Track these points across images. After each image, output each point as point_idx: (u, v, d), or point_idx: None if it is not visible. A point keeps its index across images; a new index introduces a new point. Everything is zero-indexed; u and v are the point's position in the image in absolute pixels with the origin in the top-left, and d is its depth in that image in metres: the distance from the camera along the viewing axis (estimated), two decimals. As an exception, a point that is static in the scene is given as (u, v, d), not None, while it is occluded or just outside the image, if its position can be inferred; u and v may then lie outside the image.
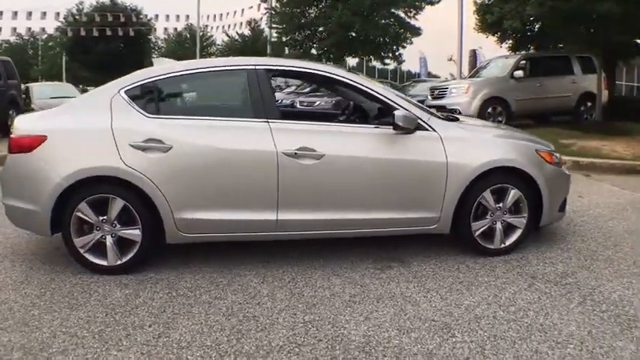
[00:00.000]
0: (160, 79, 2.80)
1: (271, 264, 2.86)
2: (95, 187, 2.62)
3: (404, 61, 21.09)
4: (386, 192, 2.84)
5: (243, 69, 2.83)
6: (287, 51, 21.50)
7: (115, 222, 2.66)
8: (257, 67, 2.82)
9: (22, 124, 2.79)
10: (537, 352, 1.88)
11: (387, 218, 2.86)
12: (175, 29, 31.19)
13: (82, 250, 2.67)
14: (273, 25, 21.23)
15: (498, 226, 2.99)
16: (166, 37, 36.53)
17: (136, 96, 2.73)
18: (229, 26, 27.70)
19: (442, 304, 2.32)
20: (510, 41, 13.41)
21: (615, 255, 2.94)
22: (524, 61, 9.79)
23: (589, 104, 9.91)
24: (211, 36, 33.85)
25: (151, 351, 1.90)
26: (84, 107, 2.80)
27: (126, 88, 2.73)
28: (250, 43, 31.02)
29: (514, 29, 11.88)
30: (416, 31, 19.55)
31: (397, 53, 19.75)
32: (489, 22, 12.86)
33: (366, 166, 2.78)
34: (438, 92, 9.48)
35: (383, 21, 18.90)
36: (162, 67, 2.92)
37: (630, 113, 10.05)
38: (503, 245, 3.01)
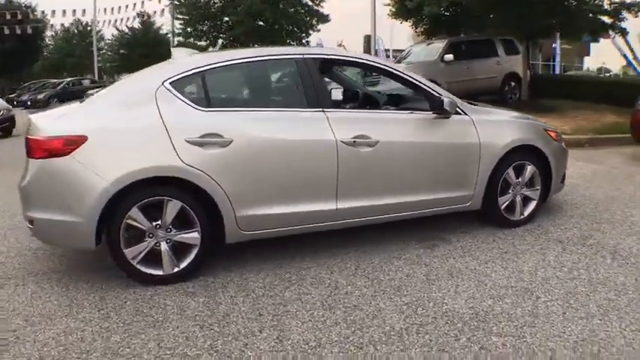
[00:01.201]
0: (207, 69, 2.67)
1: (323, 254, 2.97)
2: (148, 190, 2.46)
3: None
4: (431, 174, 3.10)
5: (292, 58, 2.83)
6: (193, 42, 21.56)
7: (170, 226, 2.52)
8: (305, 56, 2.83)
9: (48, 124, 2.48)
10: (609, 300, 2.31)
11: (431, 199, 3.12)
12: (62, 25, 30.81)
13: (133, 262, 2.48)
14: (178, 16, 20.96)
15: (518, 199, 3.44)
16: (53, 34, 34.86)
17: (184, 87, 2.59)
18: (121, 20, 27.22)
19: (508, 273, 2.67)
20: (424, 26, 14.41)
21: (613, 218, 3.59)
22: (452, 45, 10.72)
23: (512, 84, 11.26)
24: (99, 30, 32.69)
25: (291, 356, 1.92)
26: (123, 102, 2.57)
27: (171, 80, 2.57)
28: (140, 36, 31.09)
29: (433, 15, 12.94)
30: (324, 18, 20.66)
31: (304, 41, 20.72)
32: (409, 7, 13.82)
33: (414, 150, 3.01)
34: (372, 79, 10.30)
35: (291, 9, 19.72)
36: (207, 56, 2.79)
37: (549, 91, 11.65)
38: (522, 217, 3.48)
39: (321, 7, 20.30)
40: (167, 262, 2.54)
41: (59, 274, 2.76)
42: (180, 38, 21.30)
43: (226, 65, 2.73)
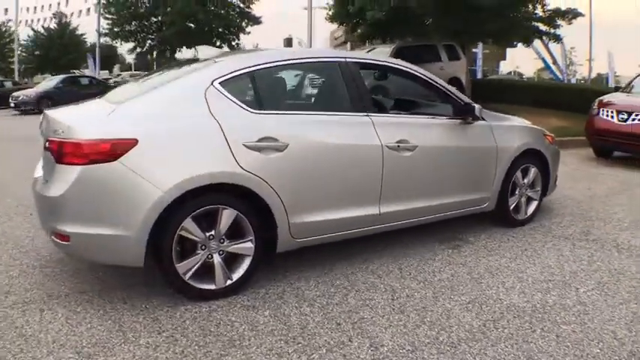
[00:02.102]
0: (256, 69, 2.65)
1: (358, 258, 3.09)
2: (203, 198, 2.38)
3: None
4: (459, 177, 3.37)
5: (336, 61, 2.90)
6: (120, 43, 21.38)
7: (223, 237, 2.46)
8: (347, 60, 2.92)
9: (90, 126, 2.29)
10: (633, 287, 2.73)
11: (458, 201, 3.39)
12: None
13: (185, 277, 2.38)
14: (107, 16, 20.64)
15: (522, 199, 3.84)
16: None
17: (234, 88, 2.55)
18: (38, 20, 26.21)
19: (538, 268, 3.00)
20: (361, 31, 15.10)
21: (599, 215, 4.14)
22: (398, 51, 11.38)
23: (455, 88, 12.33)
24: (6, 31, 31.24)
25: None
26: (170, 102, 2.46)
27: (220, 79, 2.51)
28: (56, 37, 30.41)
29: (375, 20, 13.71)
30: (256, 20, 21.51)
31: (234, 43, 21.62)
32: (350, 12, 14.47)
33: (446, 154, 3.25)
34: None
35: (222, 11, 20.33)
36: (254, 56, 2.74)
37: (486, 95, 12.83)
38: (526, 216, 3.89)
39: (251, 8, 21.38)
40: (220, 276, 2.48)
41: (87, 294, 2.55)
42: (107, 39, 21.01)
43: (275, 66, 2.73)
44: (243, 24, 21.32)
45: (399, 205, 3.05)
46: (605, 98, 7.06)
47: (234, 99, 2.52)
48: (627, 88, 7.43)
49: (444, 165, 3.27)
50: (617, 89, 7.87)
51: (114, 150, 2.21)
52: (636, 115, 6.11)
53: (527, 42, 16.51)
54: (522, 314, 2.39)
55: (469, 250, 3.32)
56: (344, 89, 2.89)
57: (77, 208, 2.26)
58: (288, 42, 31.81)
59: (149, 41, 20.66)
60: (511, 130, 3.72)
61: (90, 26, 26.65)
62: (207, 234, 2.42)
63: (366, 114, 2.90)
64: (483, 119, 3.53)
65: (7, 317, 2.31)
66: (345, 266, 2.97)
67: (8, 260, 3.04)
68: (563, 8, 15.26)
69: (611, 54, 29.36)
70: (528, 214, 3.91)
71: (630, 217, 4.04)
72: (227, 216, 2.44)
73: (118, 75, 32.98)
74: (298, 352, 2.04)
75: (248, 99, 2.60)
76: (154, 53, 22.39)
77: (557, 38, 16.11)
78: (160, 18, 19.73)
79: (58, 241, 2.35)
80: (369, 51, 11.93)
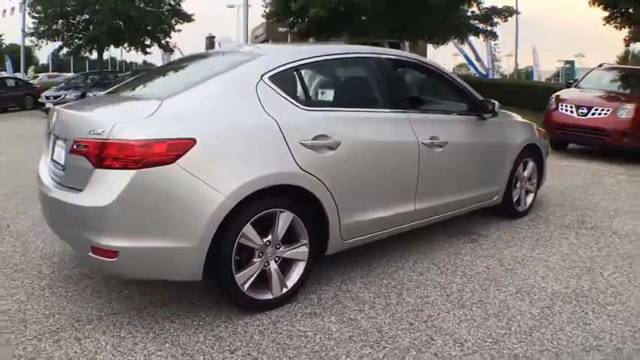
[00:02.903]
0: (302, 64, 2.65)
1: (387, 256, 3.22)
2: (262, 202, 2.33)
3: (173, 50, 24.03)
4: (478, 171, 3.63)
5: (377, 57, 2.98)
6: (46, 43, 21.30)
7: (279, 242, 2.44)
8: (383, 57, 3.02)
9: (137, 125, 2.14)
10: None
11: (477, 195, 3.64)
12: None
13: (243, 287, 2.33)
14: (35, 15, 20.28)
15: (522, 192, 4.21)
16: None
17: (282, 83, 2.52)
18: None
19: (559, 256, 3.32)
20: (301, 28, 15.54)
21: (586, 204, 4.66)
22: None
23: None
24: None
25: (490, 354, 2.14)
26: (223, 97, 2.37)
27: (270, 74, 2.48)
28: None
29: (319, 17, 14.19)
30: (188, 18, 22.05)
31: (164, 41, 22.12)
32: (293, 9, 14.85)
33: (469, 150, 3.49)
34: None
35: (154, 9, 20.93)
36: (297, 50, 2.71)
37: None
38: (526, 207, 4.27)
39: (181, 6, 21.78)
40: (276, 284, 2.45)
41: (122, 315, 2.39)
42: (33, 38, 20.44)
43: (319, 61, 2.74)
44: (173, 22, 21.65)
45: (430, 201, 3.21)
46: (561, 94, 7.86)
47: (285, 95, 2.49)
48: (578, 85, 8.34)
49: (468, 160, 3.50)
50: (568, 85, 8.79)
51: (171, 151, 2.09)
52: (596, 110, 6.91)
53: (463, 39, 17.83)
54: (569, 299, 2.66)
55: (487, 243, 3.58)
56: (385, 86, 2.99)
57: (128, 219, 2.09)
58: (210, 40, 31.76)
59: (77, 40, 20.46)
60: (515, 126, 4.06)
61: (10, 27, 26.12)
62: (264, 240, 2.39)
63: (402, 111, 3.02)
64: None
65: (39, 352, 2.09)
66: (383, 265, 3.07)
67: (6, 281, 2.75)
68: (499, 6, 16.65)
69: (536, 50, 32.37)
70: (527, 205, 4.29)
71: (614, 206, 4.59)
72: (284, 220, 2.41)
73: (35, 77, 31.51)
74: (389, 356, 2.10)
75: (297, 95, 2.58)
76: (83, 52, 21.93)
77: (494, 35, 17.54)
78: (87, 16, 19.58)
79: (99, 258, 2.14)
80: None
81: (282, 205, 2.41)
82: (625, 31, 9.11)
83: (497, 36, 17.06)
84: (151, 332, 2.25)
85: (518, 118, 4.31)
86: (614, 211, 4.42)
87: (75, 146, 2.23)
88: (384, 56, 3.05)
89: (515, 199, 4.10)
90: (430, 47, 21.44)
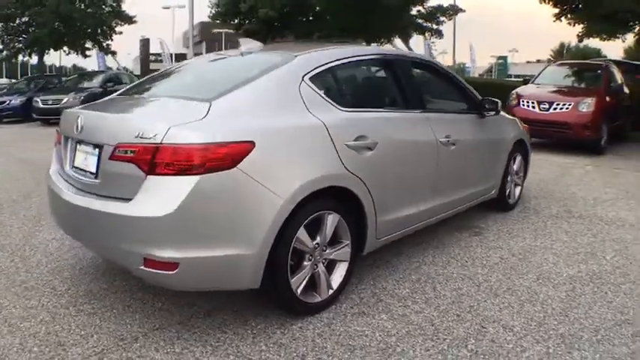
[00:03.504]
0: (337, 65, 2.76)
1: (407, 251, 3.44)
2: (314, 205, 2.42)
3: (115, 52, 24.31)
4: (482, 167, 3.92)
5: (397, 58, 3.18)
6: None
7: (326, 244, 2.55)
8: (404, 58, 3.23)
9: (194, 128, 2.12)
10: None
11: (479, 190, 3.95)
12: None
13: (298, 292, 2.42)
14: None
15: (512, 185, 4.60)
16: None
17: (320, 84, 2.63)
18: None
19: (560, 244, 3.70)
20: (248, 29, 15.96)
21: (565, 195, 5.15)
22: None
23: None
24: None
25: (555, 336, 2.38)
26: (270, 99, 2.42)
27: (310, 75, 2.57)
28: None
29: (268, 17, 14.49)
30: (130, 20, 22.66)
31: (105, 44, 22.46)
32: (242, 10, 15.10)
33: (475, 146, 3.77)
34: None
35: (93, 10, 21.31)
36: (332, 51, 2.81)
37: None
38: (515, 200, 4.66)
39: (119, 7, 22.39)
40: (324, 286, 2.55)
41: (169, 330, 2.37)
42: None
43: (352, 62, 2.86)
44: (113, 24, 22.14)
45: (445, 197, 3.45)
46: (521, 91, 8.54)
47: (324, 96, 2.59)
48: (534, 81, 9.08)
49: (474, 157, 3.78)
50: (525, 82, 9.55)
51: (232, 155, 2.10)
52: (557, 105, 7.59)
53: (408, 38, 18.78)
54: (586, 282, 2.99)
55: (491, 235, 3.89)
56: (408, 86, 3.18)
57: (189, 229, 2.07)
58: (145, 43, 31.37)
59: (16, 43, 20.56)
60: (507, 122, 4.43)
61: None
62: (314, 243, 2.49)
63: (422, 110, 3.23)
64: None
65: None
66: (404, 262, 3.26)
67: (20, 301, 2.62)
68: (444, 5, 17.67)
69: (473, 46, 34.37)
70: (516, 198, 4.69)
71: (591, 195, 5.13)
72: (331, 221, 2.51)
73: None
74: (452, 346, 2.27)
75: (334, 96, 2.68)
76: (22, 55, 21.57)
77: (440, 33, 18.57)
78: (27, 19, 19.56)
79: (153, 271, 2.10)
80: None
81: (330, 207, 2.51)
82: (578, 27, 10.09)
83: (443, 34, 18.07)
84: (207, 345, 2.26)
85: (506, 114, 4.70)
86: (593, 200, 4.94)
87: (117, 152, 2.18)
88: (405, 57, 3.26)
89: (507, 193, 4.48)
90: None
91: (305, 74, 2.56)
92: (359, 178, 2.61)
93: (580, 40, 10.55)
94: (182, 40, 44.02)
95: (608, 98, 7.81)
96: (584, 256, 3.42)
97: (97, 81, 14.04)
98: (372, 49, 3.27)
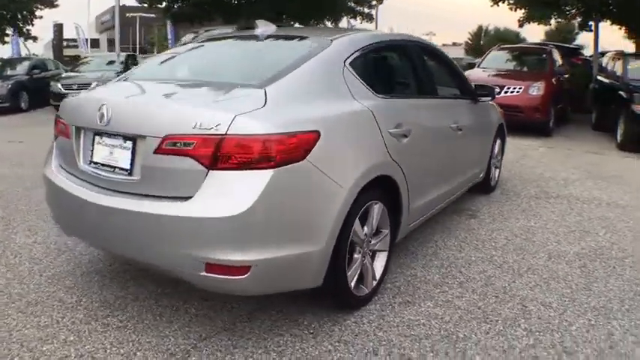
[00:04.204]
0: (369, 50, 2.78)
1: (418, 238, 3.62)
2: (366, 195, 2.43)
3: (36, 38, 23.23)
4: (476, 151, 4.19)
5: (417, 44, 3.28)
6: None
7: (372, 235, 2.62)
8: (423, 45, 3.36)
9: (259, 119, 2.03)
10: (629, 225, 4.03)
11: (474, 173, 4.22)
12: None
13: (352, 286, 2.47)
14: None
15: (493, 168, 4.98)
16: None
17: (358, 69, 2.63)
18: None
19: (552, 223, 4.07)
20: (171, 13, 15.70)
21: (533, 177, 5.63)
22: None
23: None
24: None
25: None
26: (321, 85, 2.39)
27: (349, 60, 2.58)
28: None
29: (198, 1, 14.25)
30: (51, 3, 21.82)
31: (25, 29, 21.76)
32: None
33: (474, 131, 4.01)
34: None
35: None
36: (365, 35, 2.81)
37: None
38: (495, 182, 5.04)
39: None
40: (369, 277, 2.61)
41: (225, 339, 2.31)
42: None
43: (381, 47, 2.90)
44: (34, 8, 21.18)
45: (452, 181, 3.64)
46: (468, 75, 9.07)
47: (363, 82, 2.60)
48: (480, 65, 9.71)
49: (473, 142, 4.03)
50: (471, 66, 10.16)
51: (302, 146, 2.04)
52: (508, 88, 8.20)
53: (337, 22, 19.25)
54: (591, 257, 3.34)
55: (486, 217, 4.19)
56: (428, 72, 3.30)
57: (263, 227, 1.98)
58: (59, 28, 30.18)
59: None
60: (491, 108, 4.74)
61: None
62: (364, 234, 2.53)
63: (437, 97, 3.39)
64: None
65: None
66: (420, 248, 3.40)
67: (29, 319, 2.38)
68: None
69: (394, 30, 35.79)
70: (496, 180, 5.08)
71: (558, 176, 5.65)
72: (377, 211, 2.55)
73: None
74: (507, 327, 2.44)
75: (371, 82, 2.67)
76: None
77: (371, 17, 19.20)
78: None
79: (220, 277, 1.99)
80: (206, 30, 12.31)
81: (377, 197, 2.57)
82: (520, 12, 10.91)
83: (374, 18, 18.67)
84: (270, 350, 2.21)
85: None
86: (563, 181, 5.46)
87: (166, 145, 2.03)
88: (421, 43, 3.38)
89: (490, 175, 4.83)
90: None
91: (345, 59, 2.56)
92: (399, 165, 2.70)
93: (520, 26, 11.44)
94: (95, 25, 41.47)
95: (554, 82, 8.58)
96: (580, 234, 3.82)
97: (22, 68, 13.47)
98: (397, 36, 3.36)
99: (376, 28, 34.02)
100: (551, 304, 2.70)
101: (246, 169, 1.97)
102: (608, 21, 11.27)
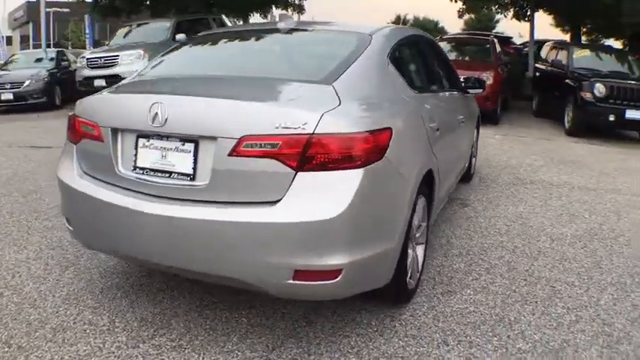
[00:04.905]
0: (400, 45, 2.92)
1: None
2: (418, 190, 2.58)
3: None
4: (468, 143, 4.53)
5: (428, 39, 3.47)
6: None
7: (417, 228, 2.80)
8: (429, 38, 3.54)
9: (344, 116, 2.10)
10: (619, 203, 4.58)
11: (464, 164, 4.56)
12: None
13: (407, 280, 2.63)
14: None
15: (471, 157, 5.40)
16: None
17: (395, 64, 2.76)
18: None
19: (543, 208, 4.50)
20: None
21: (501, 163, 6.14)
22: (178, 25, 12.17)
23: None
24: None
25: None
26: (377, 81, 2.52)
27: (389, 55, 2.71)
28: None
29: None
30: None
31: None
32: None
33: (467, 123, 4.32)
34: (105, 61, 10.84)
35: None
36: (394, 30, 2.93)
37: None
38: (474, 170, 5.47)
39: None
40: (414, 270, 2.79)
41: (291, 344, 2.35)
42: None
43: (408, 42, 3.06)
44: None
45: (458, 171, 3.96)
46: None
47: (401, 77, 2.75)
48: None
49: (468, 132, 4.36)
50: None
51: (381, 144, 2.13)
52: (462, 78, 8.76)
53: (267, 13, 19.39)
54: (588, 238, 3.76)
55: (478, 206, 4.54)
56: (439, 66, 3.53)
57: (356, 228, 2.05)
58: None
59: None
60: (473, 99, 5.12)
61: None
62: (416, 228, 2.67)
63: (447, 90, 3.65)
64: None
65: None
66: (432, 238, 3.64)
67: (66, 348, 2.27)
68: None
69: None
70: (474, 168, 5.50)
71: (524, 162, 6.20)
72: (421, 205, 2.72)
73: None
74: (548, 307, 2.72)
75: (407, 77, 2.83)
76: None
77: (301, 8, 19.57)
78: None
79: (310, 283, 2.02)
80: (139, 25, 12.50)
81: (422, 191, 2.75)
82: (459, 4, 11.62)
83: (304, 9, 18.99)
84: (347, 352, 2.30)
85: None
86: (530, 167, 6.01)
87: (243, 146, 2.02)
88: (429, 38, 3.60)
89: (471, 164, 5.23)
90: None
91: (387, 54, 2.69)
92: (436, 159, 2.91)
93: (460, 16, 12.21)
94: (8, 22, 38.85)
95: (500, 71, 9.30)
96: (569, 217, 4.27)
97: (48, 60, 12.94)
98: (412, 30, 3.56)
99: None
100: (573, 283, 3.05)
101: (334, 170, 2.00)
102: (540, 10, 12.36)
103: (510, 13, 12.56)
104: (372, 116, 2.24)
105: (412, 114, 2.63)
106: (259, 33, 3.20)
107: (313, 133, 1.98)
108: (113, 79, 10.09)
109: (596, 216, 4.32)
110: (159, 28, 11.92)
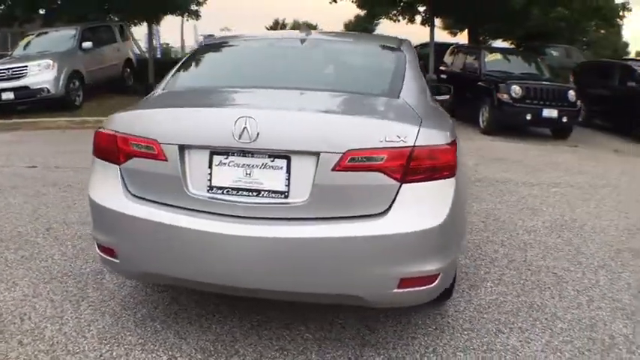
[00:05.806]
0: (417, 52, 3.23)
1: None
2: None
3: None
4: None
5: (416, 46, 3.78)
6: None
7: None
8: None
9: (435, 128, 2.35)
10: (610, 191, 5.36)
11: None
12: None
13: None
14: None
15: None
16: None
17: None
18: None
19: (502, 205, 5.13)
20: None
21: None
22: (85, 32, 12.02)
23: (128, 70, 13.95)
24: None
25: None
26: (424, 91, 2.83)
27: (417, 64, 3.02)
28: None
29: None
30: None
31: None
32: None
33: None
34: (13, 72, 10.32)
35: None
36: (406, 39, 3.19)
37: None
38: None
39: None
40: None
41: (343, 351, 2.54)
42: None
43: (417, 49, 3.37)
44: None
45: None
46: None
47: (427, 85, 3.13)
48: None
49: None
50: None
51: (455, 153, 2.36)
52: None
53: (157, 20, 19.08)
54: (558, 229, 4.39)
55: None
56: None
57: (452, 234, 2.33)
58: None
59: None
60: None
61: None
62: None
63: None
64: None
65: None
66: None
67: None
68: None
69: (197, 27, 36.49)
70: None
71: (483, 162, 6.91)
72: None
73: None
74: (560, 290, 3.21)
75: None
76: None
77: (197, 14, 19.56)
78: None
79: (413, 289, 2.23)
80: (40, 33, 12.26)
81: None
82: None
83: (200, 16, 18.84)
84: (428, 353, 2.54)
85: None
86: (474, 166, 6.73)
87: (348, 161, 2.13)
88: None
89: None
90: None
91: (418, 64, 3.04)
92: None
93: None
94: None
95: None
96: (531, 211, 4.90)
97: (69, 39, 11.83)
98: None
99: (182, 27, 34.00)
100: (569, 268, 3.62)
101: (432, 180, 2.23)
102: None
103: (405, 20, 13.72)
104: (446, 127, 2.52)
105: (449, 120, 2.97)
106: (288, 42, 3.34)
107: (414, 146, 2.18)
108: (22, 91, 9.91)
109: (553, 208, 5.05)
110: (64, 36, 11.79)
